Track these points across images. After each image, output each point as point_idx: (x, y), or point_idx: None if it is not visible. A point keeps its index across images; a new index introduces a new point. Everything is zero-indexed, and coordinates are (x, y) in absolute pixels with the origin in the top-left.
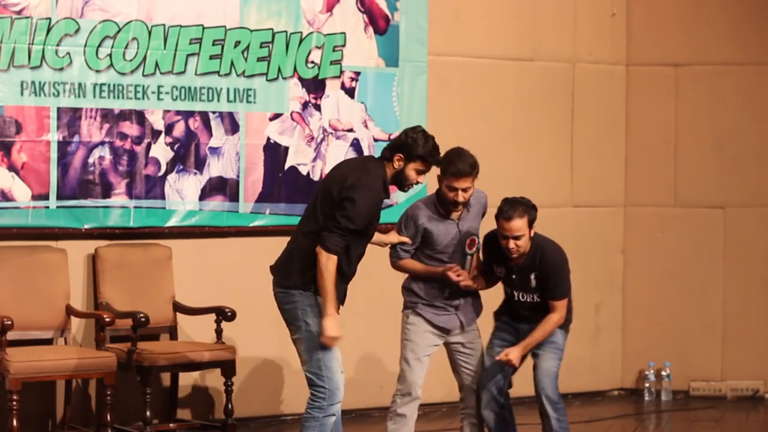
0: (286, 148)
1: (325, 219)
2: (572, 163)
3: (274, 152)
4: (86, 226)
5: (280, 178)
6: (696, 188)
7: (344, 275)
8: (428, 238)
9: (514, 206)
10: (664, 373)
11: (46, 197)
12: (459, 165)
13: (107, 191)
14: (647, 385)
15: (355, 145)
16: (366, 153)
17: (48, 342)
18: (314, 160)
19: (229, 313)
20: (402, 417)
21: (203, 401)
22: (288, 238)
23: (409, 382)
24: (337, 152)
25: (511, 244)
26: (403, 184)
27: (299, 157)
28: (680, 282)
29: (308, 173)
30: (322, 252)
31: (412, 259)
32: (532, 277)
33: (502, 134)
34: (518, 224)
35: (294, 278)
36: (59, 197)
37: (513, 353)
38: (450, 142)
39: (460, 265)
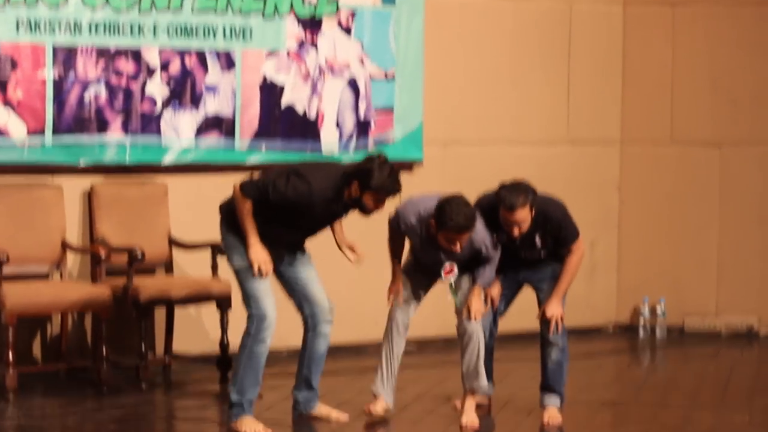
0: (283, 86)
1: None
2: (569, 101)
3: (270, 90)
4: (82, 163)
5: (276, 116)
6: (692, 126)
7: (271, 237)
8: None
9: (515, 195)
10: (659, 310)
11: (42, 133)
12: (460, 221)
13: (103, 128)
14: (642, 321)
15: (351, 82)
16: (362, 91)
17: (44, 277)
18: (310, 97)
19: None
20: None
21: (199, 336)
22: None
23: (390, 316)
24: (334, 90)
25: (516, 230)
26: (363, 211)
27: (295, 95)
28: (676, 219)
29: (304, 111)
30: (235, 186)
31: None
32: (537, 237)
33: (498, 73)
34: (521, 214)
35: (224, 218)
36: (55, 133)
37: (552, 309)
38: (447, 81)
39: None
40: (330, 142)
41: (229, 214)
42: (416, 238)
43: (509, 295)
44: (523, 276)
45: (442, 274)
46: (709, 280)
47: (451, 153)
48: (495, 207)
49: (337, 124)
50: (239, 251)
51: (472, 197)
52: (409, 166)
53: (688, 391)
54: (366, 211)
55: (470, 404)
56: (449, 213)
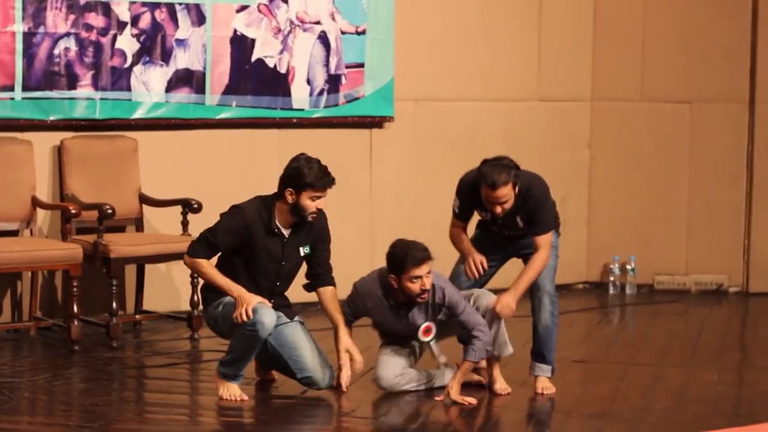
0: (253, 41)
1: None
2: (540, 57)
3: (241, 44)
4: (52, 118)
5: (246, 71)
6: (663, 83)
7: (254, 286)
8: (377, 322)
9: (497, 172)
10: (628, 267)
11: (11, 89)
12: (417, 254)
13: (73, 83)
14: (612, 278)
15: (322, 37)
16: (333, 47)
17: (14, 234)
18: (281, 52)
19: (195, 205)
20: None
21: (169, 293)
22: (255, 131)
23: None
24: (304, 45)
25: (498, 209)
26: (304, 215)
27: (266, 50)
28: (646, 176)
29: (275, 66)
30: (185, 258)
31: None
32: (519, 219)
33: (470, 27)
34: (504, 191)
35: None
36: (24, 89)
37: (508, 301)
38: (418, 36)
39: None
40: (300, 97)
41: (204, 290)
42: (382, 311)
43: (494, 268)
44: (509, 249)
45: (420, 335)
46: (679, 237)
47: (422, 109)
48: (478, 184)
49: (308, 80)
50: (212, 305)
51: (443, 154)
52: (379, 122)
53: (658, 348)
54: (306, 214)
55: (497, 371)
56: (404, 251)
